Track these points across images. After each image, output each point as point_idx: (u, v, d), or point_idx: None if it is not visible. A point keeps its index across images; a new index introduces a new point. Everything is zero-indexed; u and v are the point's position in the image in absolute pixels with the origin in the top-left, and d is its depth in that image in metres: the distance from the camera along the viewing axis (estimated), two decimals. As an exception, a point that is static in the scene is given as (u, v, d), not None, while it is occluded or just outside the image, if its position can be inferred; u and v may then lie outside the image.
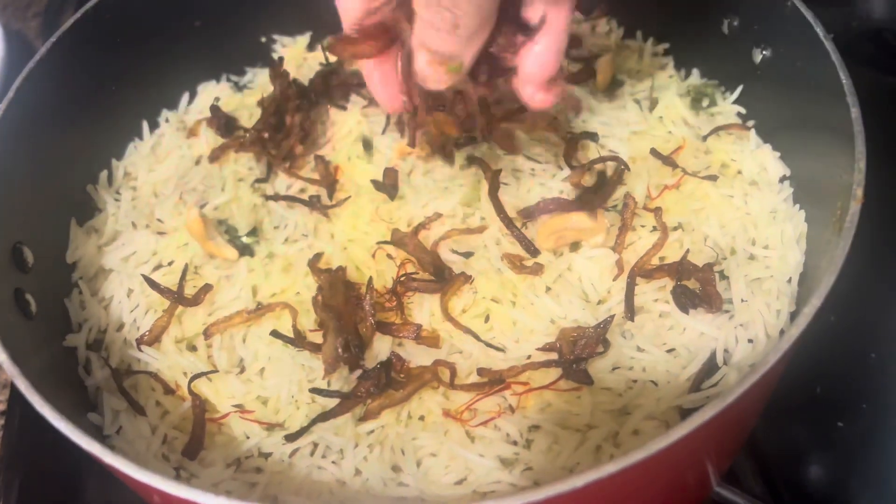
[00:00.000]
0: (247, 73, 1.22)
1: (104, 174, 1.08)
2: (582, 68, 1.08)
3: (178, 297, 0.90)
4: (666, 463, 0.67)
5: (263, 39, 1.24)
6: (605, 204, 0.94)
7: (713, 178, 0.95)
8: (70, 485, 1.09)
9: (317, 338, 0.86)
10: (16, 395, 1.18)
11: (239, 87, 1.21)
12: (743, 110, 1.04)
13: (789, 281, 0.87)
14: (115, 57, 1.07)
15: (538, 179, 0.98)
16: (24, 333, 0.80)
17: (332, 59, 1.16)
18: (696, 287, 0.86)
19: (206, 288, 0.91)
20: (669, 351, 0.84)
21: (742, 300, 0.86)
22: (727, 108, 1.05)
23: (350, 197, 1.00)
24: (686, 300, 0.85)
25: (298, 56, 1.23)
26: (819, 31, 0.85)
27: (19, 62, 1.31)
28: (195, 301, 0.90)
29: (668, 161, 0.97)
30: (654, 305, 0.87)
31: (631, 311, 0.85)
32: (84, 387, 0.89)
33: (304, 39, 1.25)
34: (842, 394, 1.04)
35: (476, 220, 0.96)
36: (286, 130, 1.05)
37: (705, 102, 1.06)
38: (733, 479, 1.02)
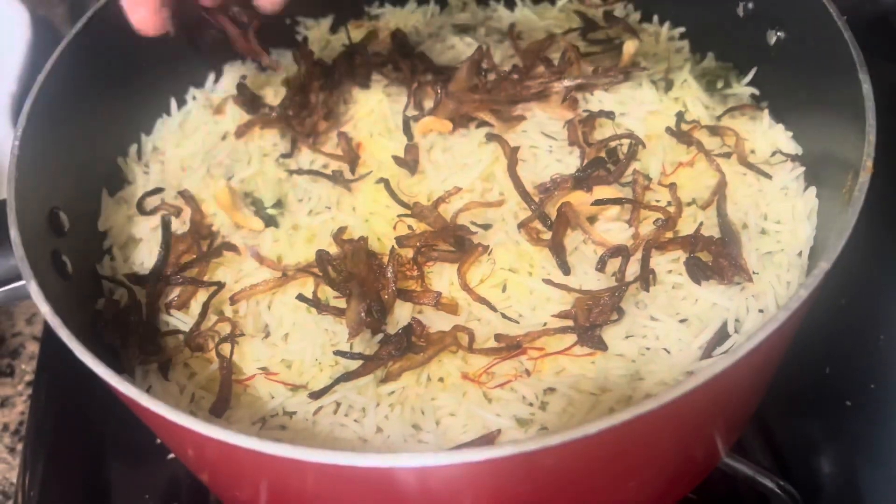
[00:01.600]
0: (272, 54, 1.25)
1: (134, 148, 1.11)
2: (602, 48, 1.10)
3: (201, 254, 0.94)
4: (676, 420, 0.70)
5: (288, 21, 1.27)
6: (619, 180, 0.96)
7: (727, 155, 0.98)
8: (94, 460, 1.13)
9: (340, 304, 0.90)
10: (43, 368, 1.22)
11: (263, 68, 1.24)
12: (756, 91, 1.06)
13: (800, 255, 0.90)
14: (142, 38, 1.10)
15: (555, 156, 1.01)
16: (61, 292, 0.84)
17: (356, 39, 1.19)
18: (709, 259, 0.89)
19: (228, 245, 0.95)
20: (682, 321, 0.87)
21: (754, 272, 0.88)
22: (741, 89, 1.07)
23: (371, 172, 1.03)
24: (699, 271, 0.87)
25: (322, 38, 1.26)
26: (833, 10, 0.87)
27: (45, 48, 1.35)
28: (217, 252, 0.94)
29: (683, 138, 0.99)
30: (667, 276, 0.89)
31: (646, 281, 0.87)
32: (114, 350, 0.92)
33: (326, 22, 1.28)
34: (850, 374, 1.07)
35: (494, 194, 0.99)
36: (311, 108, 1.08)
37: (720, 84, 1.08)
38: (742, 452, 1.05)
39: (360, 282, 0.88)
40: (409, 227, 0.96)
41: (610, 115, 1.02)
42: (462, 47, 1.18)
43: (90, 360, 0.68)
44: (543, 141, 1.03)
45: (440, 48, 1.18)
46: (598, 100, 1.05)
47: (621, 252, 0.88)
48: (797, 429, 1.13)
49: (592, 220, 0.94)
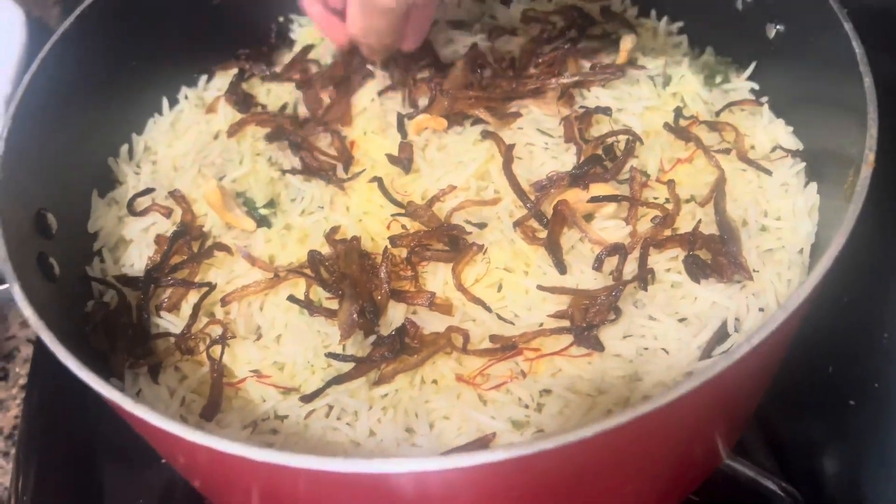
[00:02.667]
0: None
1: (125, 148, 1.10)
2: (599, 44, 1.09)
3: (192, 255, 0.93)
4: (675, 421, 0.68)
5: (281, 19, 1.26)
6: (616, 177, 0.95)
7: (726, 151, 0.96)
8: (88, 464, 1.12)
9: (332, 305, 0.88)
10: (36, 371, 1.21)
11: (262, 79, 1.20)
12: (756, 86, 1.05)
13: (801, 252, 0.88)
14: (135, 35, 1.09)
15: (551, 153, 0.99)
16: (48, 295, 0.82)
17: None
18: (708, 257, 0.87)
19: (220, 245, 0.93)
20: (681, 320, 0.85)
21: (754, 270, 0.86)
22: (741, 84, 1.05)
23: (365, 170, 1.01)
24: (698, 270, 0.86)
25: (316, 35, 1.24)
26: (833, 3, 0.85)
27: (40, 49, 1.34)
28: (209, 253, 0.93)
29: (681, 134, 0.97)
30: (666, 275, 0.87)
31: (643, 280, 0.85)
32: (103, 353, 0.91)
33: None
34: (854, 373, 1.05)
35: (490, 192, 0.97)
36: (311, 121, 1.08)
37: (719, 79, 1.06)
38: (743, 454, 1.03)
39: (352, 282, 0.87)
40: (403, 226, 0.95)
41: (607, 111, 1.00)
42: (461, 41, 1.17)
43: (74, 364, 0.67)
44: (539, 138, 1.01)
45: (440, 42, 1.16)
46: (594, 96, 1.04)
47: (618, 250, 0.87)
48: (800, 429, 1.11)
49: (589, 218, 0.92)
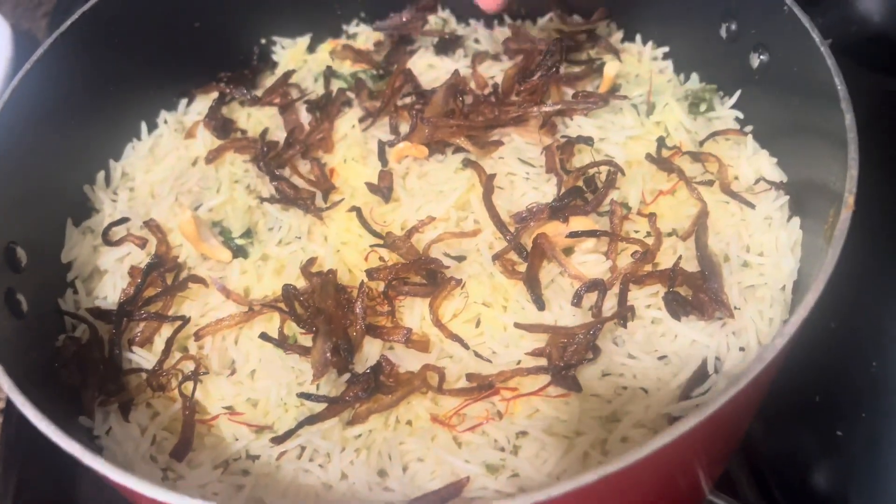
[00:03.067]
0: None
1: (101, 175, 1.08)
2: (583, 70, 1.07)
3: (166, 287, 0.92)
4: (652, 470, 0.67)
5: (263, 41, 1.24)
6: (597, 209, 0.93)
7: (709, 183, 0.95)
8: (66, 483, 1.10)
9: (307, 341, 0.86)
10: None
11: (242, 104, 1.19)
12: (741, 115, 1.03)
13: (783, 289, 0.86)
14: (114, 57, 1.07)
15: (532, 184, 0.98)
16: (13, 333, 0.81)
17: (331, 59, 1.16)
18: (689, 294, 0.86)
19: (195, 277, 0.92)
20: (661, 358, 0.84)
21: (735, 307, 0.85)
22: (725, 112, 1.04)
23: (343, 199, 1.00)
24: (678, 307, 0.84)
25: (299, 58, 1.23)
26: (815, 36, 0.84)
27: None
28: (183, 286, 0.92)
29: (664, 165, 0.96)
30: (646, 311, 0.86)
31: (623, 318, 0.84)
32: (75, 388, 0.89)
33: (304, 41, 1.25)
34: (841, 402, 1.03)
35: (470, 223, 0.96)
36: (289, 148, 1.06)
37: (703, 107, 1.05)
38: (729, 486, 1.02)
39: (327, 318, 0.85)
40: (381, 258, 0.93)
41: (589, 140, 0.99)
42: (443, 67, 1.15)
43: (32, 413, 0.65)
44: (520, 168, 0.99)
45: (420, 67, 1.15)
46: (577, 124, 1.02)
47: (598, 286, 0.85)
48: (786, 460, 1.09)
49: (569, 251, 0.91)
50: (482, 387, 0.81)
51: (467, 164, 1.00)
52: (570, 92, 1.06)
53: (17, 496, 1.05)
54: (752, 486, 1.06)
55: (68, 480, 1.10)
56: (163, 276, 0.94)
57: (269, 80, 1.19)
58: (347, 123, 1.08)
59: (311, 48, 1.25)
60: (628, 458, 0.58)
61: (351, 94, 1.11)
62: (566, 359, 0.81)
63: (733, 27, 1.00)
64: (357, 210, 0.97)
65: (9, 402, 1.18)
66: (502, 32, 1.20)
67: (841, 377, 1.04)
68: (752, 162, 0.97)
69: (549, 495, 0.57)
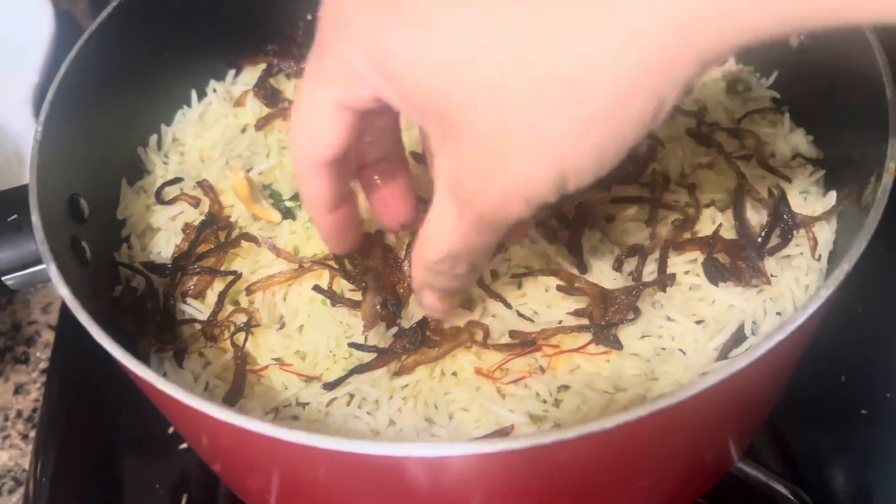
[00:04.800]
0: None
1: (154, 138, 1.12)
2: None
3: (219, 244, 0.95)
4: (691, 418, 0.69)
5: (309, 17, 1.28)
6: (639, 180, 0.96)
7: (747, 158, 0.97)
8: (106, 449, 1.14)
9: (356, 297, 0.90)
10: (58, 357, 1.23)
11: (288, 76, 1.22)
12: (777, 95, 1.06)
13: (819, 258, 0.89)
14: (165, 29, 1.11)
15: (574, 155, 1.01)
16: (80, 278, 0.84)
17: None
18: (727, 261, 0.88)
19: (247, 235, 0.95)
20: (698, 322, 0.86)
21: (772, 275, 0.87)
22: (762, 93, 1.06)
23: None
24: (716, 273, 0.87)
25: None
26: (857, 14, 0.86)
27: (67, 41, 1.36)
28: (236, 243, 0.95)
29: (703, 140, 0.99)
30: (684, 277, 0.88)
31: (662, 282, 0.87)
32: (129, 337, 0.93)
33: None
34: (866, 382, 1.06)
35: (511, 192, 0.99)
36: None
37: (740, 87, 1.08)
38: (754, 459, 1.04)
39: (375, 275, 0.88)
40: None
41: (630, 115, 1.01)
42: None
43: (108, 342, 0.68)
44: (562, 140, 1.02)
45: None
46: (617, 100, 1.05)
47: (638, 251, 0.88)
48: (811, 437, 1.11)
49: (610, 219, 0.94)
50: (525, 343, 0.84)
51: (509, 136, 1.02)
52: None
53: (57, 465, 1.09)
54: (778, 459, 1.09)
55: (107, 450, 1.14)
56: (215, 234, 0.97)
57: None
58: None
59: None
60: (675, 396, 0.60)
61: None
62: (608, 318, 0.84)
63: (773, 8, 1.02)
64: (402, 176, 1.00)
65: (51, 373, 1.21)
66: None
67: (866, 358, 1.06)
68: (788, 140, 1.00)
69: (594, 429, 0.60)
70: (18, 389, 1.25)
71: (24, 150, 1.33)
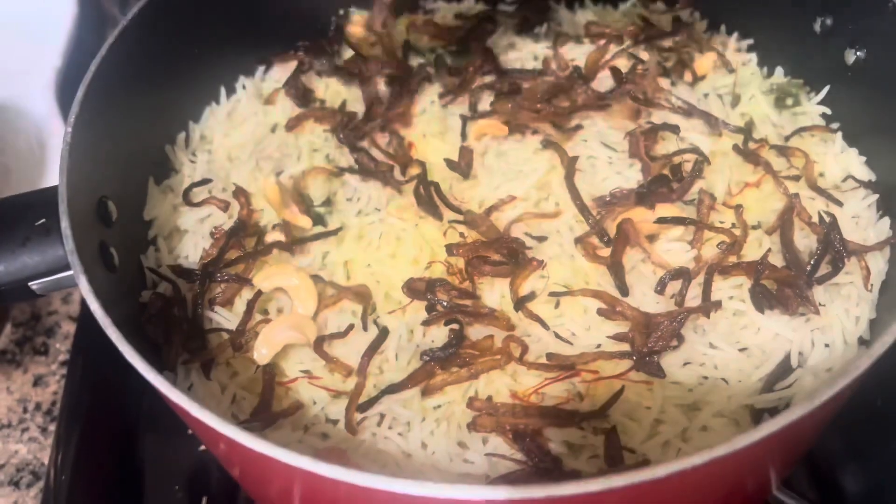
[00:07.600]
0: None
1: (181, 136, 1.09)
2: (676, 62, 1.06)
3: (249, 252, 0.92)
4: (737, 463, 0.67)
5: (341, 12, 1.25)
6: (683, 198, 0.93)
7: (795, 178, 0.94)
8: (126, 444, 1.12)
9: (391, 320, 0.87)
10: (78, 349, 1.21)
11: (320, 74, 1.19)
12: (828, 111, 1.02)
13: (870, 289, 0.86)
14: (196, 23, 1.08)
15: (614, 168, 0.98)
16: (107, 286, 0.82)
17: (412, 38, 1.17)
18: (773, 287, 0.85)
19: (280, 244, 0.92)
20: (742, 350, 0.83)
21: (821, 304, 0.84)
22: (812, 108, 1.03)
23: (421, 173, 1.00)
24: (763, 300, 0.84)
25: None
26: (922, 34, 0.83)
27: (89, 24, 1.33)
28: (267, 250, 0.92)
29: (750, 157, 0.95)
30: (729, 303, 0.86)
31: (708, 308, 0.84)
32: (158, 345, 0.91)
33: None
34: (903, 409, 1.03)
35: (549, 204, 0.96)
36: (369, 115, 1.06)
37: (789, 101, 1.04)
38: (788, 484, 1.01)
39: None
40: (461, 234, 0.93)
41: (675, 128, 0.98)
42: (525, 48, 1.15)
43: (140, 364, 0.66)
44: (603, 151, 0.99)
45: (501, 47, 1.15)
46: (661, 111, 1.02)
47: (682, 275, 0.85)
48: (845, 461, 1.09)
49: (653, 238, 0.91)
50: (563, 367, 0.81)
51: (547, 144, 0.99)
52: (663, 82, 1.05)
53: (78, 458, 1.07)
54: (812, 485, 1.06)
55: (129, 438, 1.12)
56: (242, 241, 0.95)
57: (346, 52, 1.19)
58: (426, 98, 1.08)
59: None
60: (713, 452, 0.58)
61: (430, 70, 1.11)
62: (650, 345, 0.81)
63: (829, 22, 0.99)
64: (435, 185, 0.97)
65: (72, 366, 1.19)
66: (584, 15, 1.19)
67: (903, 384, 1.03)
68: (839, 159, 0.96)
69: (644, 478, 0.58)
70: (38, 381, 1.24)
71: (47, 135, 1.31)
